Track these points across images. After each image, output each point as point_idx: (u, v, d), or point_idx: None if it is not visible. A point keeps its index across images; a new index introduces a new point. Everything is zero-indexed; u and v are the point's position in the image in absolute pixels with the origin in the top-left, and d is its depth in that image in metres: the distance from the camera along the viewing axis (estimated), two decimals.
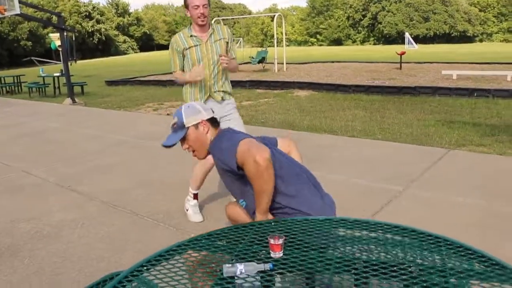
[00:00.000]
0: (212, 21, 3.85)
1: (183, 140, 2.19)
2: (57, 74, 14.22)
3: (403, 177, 4.46)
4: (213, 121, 2.25)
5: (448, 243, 1.43)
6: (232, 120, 3.56)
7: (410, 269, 1.27)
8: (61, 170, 5.37)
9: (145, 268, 1.33)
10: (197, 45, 3.37)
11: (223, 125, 3.19)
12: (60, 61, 29.04)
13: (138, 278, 1.28)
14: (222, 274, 1.24)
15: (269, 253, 1.35)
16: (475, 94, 9.96)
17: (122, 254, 3.12)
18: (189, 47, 3.37)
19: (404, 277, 1.22)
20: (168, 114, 9.31)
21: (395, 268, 1.27)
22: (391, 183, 4.31)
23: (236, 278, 1.22)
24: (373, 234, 1.51)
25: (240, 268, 1.22)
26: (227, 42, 3.49)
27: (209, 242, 1.48)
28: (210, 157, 2.25)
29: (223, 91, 3.54)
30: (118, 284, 1.24)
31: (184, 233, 3.40)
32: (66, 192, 4.55)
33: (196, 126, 2.18)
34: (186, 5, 3.32)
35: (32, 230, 3.63)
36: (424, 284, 1.18)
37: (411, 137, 6.29)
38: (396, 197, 3.96)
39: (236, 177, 2.07)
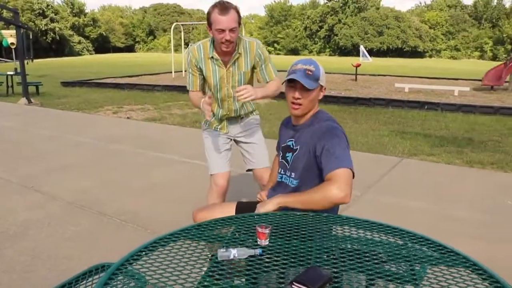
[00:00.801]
0: (242, 39, 2.65)
1: (306, 90, 2.00)
2: (11, 73, 13.79)
3: (360, 183, 4.71)
4: None
5: (411, 234, 1.63)
6: (253, 139, 3.01)
7: (380, 255, 1.45)
8: (21, 170, 5.30)
9: (133, 260, 1.42)
10: (215, 70, 2.75)
11: (243, 141, 3.01)
12: (10, 59, 28.07)
13: (126, 272, 1.38)
14: (217, 258, 1.38)
15: (255, 242, 1.50)
16: (426, 107, 10.52)
17: (92, 252, 3.17)
18: (206, 69, 2.76)
19: (375, 260, 1.40)
20: (128, 118, 9.27)
21: (367, 254, 1.45)
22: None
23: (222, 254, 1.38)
24: (346, 227, 1.69)
25: (234, 252, 1.37)
26: (258, 63, 2.78)
27: (199, 232, 1.61)
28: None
29: (243, 113, 2.99)
30: (109, 277, 1.31)
31: (154, 233, 3.48)
32: (30, 192, 4.51)
33: (321, 88, 2.09)
34: (209, 24, 2.58)
35: None
36: (393, 268, 1.37)
37: (366, 146, 6.61)
38: (354, 201, 4.20)
39: (311, 160, 2.00)
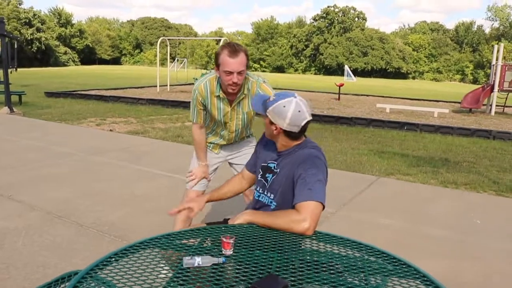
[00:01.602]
0: (246, 78, 2.65)
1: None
2: None
3: (335, 200, 4.83)
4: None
5: (368, 248, 1.73)
6: (245, 161, 2.81)
7: (337, 266, 1.55)
8: (0, 179, 5.30)
9: (103, 266, 1.50)
10: (221, 108, 2.81)
11: (236, 163, 3.10)
12: None
13: (95, 277, 1.46)
14: (182, 265, 1.47)
15: (220, 251, 1.59)
16: (405, 128, 10.75)
17: (69, 261, 3.21)
18: (211, 105, 2.82)
19: (331, 271, 1.50)
20: (110, 130, 9.30)
21: (325, 265, 1.55)
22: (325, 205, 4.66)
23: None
24: (307, 240, 1.79)
25: (198, 260, 1.46)
26: None
27: (168, 241, 1.69)
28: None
29: (240, 139, 3.09)
30: (77, 283, 1.38)
31: None
32: (7, 201, 4.52)
33: (271, 123, 2.08)
34: (216, 64, 2.60)
35: None
36: (348, 278, 1.47)
37: (345, 164, 6.75)
38: (327, 218, 4.30)
39: (289, 186, 2.04)
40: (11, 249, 3.40)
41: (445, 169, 6.67)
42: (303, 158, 2.01)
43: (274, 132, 2.06)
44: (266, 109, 2.03)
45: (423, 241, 3.87)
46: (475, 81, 60.54)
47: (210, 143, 3.08)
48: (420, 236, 3.98)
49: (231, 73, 2.52)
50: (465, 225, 4.31)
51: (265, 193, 2.16)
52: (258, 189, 2.22)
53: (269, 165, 2.17)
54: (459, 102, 16.58)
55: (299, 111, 1.99)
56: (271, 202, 2.12)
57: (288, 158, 2.07)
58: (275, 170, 2.11)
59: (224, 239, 1.58)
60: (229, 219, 1.99)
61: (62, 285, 1.89)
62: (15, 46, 13.53)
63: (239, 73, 2.54)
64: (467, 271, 3.34)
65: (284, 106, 1.98)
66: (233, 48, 2.52)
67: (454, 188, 5.71)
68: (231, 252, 1.58)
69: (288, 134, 2.04)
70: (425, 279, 1.50)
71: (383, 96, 20.94)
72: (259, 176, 2.22)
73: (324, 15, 70.81)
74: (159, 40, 20.61)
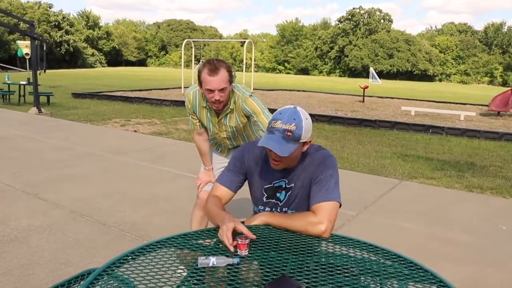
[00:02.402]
0: (233, 92, 2.64)
1: None
2: (24, 82, 14.08)
3: (357, 203, 4.79)
4: None
5: (384, 251, 1.71)
6: None
7: (352, 269, 1.54)
8: (27, 177, 5.43)
9: (120, 264, 1.53)
10: (209, 118, 2.85)
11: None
12: (24, 68, 28.62)
13: (112, 274, 1.48)
14: (197, 265, 1.48)
15: (236, 252, 1.60)
16: (430, 131, 10.59)
17: (91, 260, 3.27)
18: (200, 115, 2.87)
19: (347, 274, 1.49)
20: (135, 131, 9.44)
21: (339, 268, 1.54)
22: (346, 208, 4.62)
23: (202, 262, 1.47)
24: (323, 243, 1.78)
25: (213, 260, 1.47)
26: (250, 116, 2.77)
27: (184, 240, 1.71)
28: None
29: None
30: (94, 280, 1.41)
31: None
32: (33, 199, 4.64)
33: (304, 143, 1.95)
34: (199, 82, 2.60)
35: None
36: (364, 282, 1.46)
37: (368, 167, 6.68)
38: (349, 220, 4.27)
39: (307, 191, 2.00)
40: (35, 246, 3.49)
41: (471, 173, 6.54)
42: (318, 161, 1.99)
43: (305, 149, 1.97)
44: (299, 139, 1.86)
45: (446, 246, 3.80)
46: (504, 83, 59.21)
47: (219, 146, 3.12)
48: (442, 241, 3.91)
49: (212, 91, 2.52)
50: (490, 231, 4.21)
51: (278, 210, 2.11)
52: (267, 210, 2.13)
53: (276, 185, 2.07)
54: (487, 105, 16.23)
55: (307, 117, 1.93)
56: (286, 212, 2.10)
57: (301, 168, 2.02)
58: (287, 186, 2.05)
59: (240, 240, 1.59)
60: (244, 220, 1.99)
61: (82, 282, 1.92)
62: (44, 48, 13.86)
63: (221, 90, 2.52)
64: (489, 278, 3.26)
65: (306, 119, 1.90)
66: (213, 66, 2.50)
67: (480, 192, 5.59)
68: (247, 253, 1.59)
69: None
70: (442, 284, 1.47)
71: (408, 99, 20.68)
72: (265, 199, 2.11)
73: (350, 17, 70.40)
74: (184, 42, 20.81)
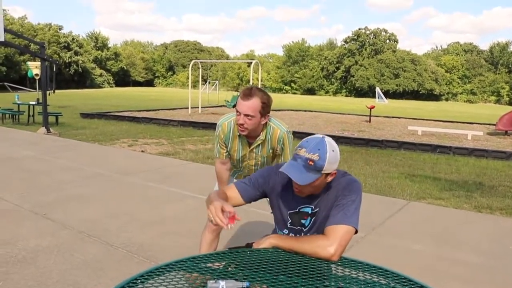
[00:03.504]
0: (269, 124, 2.73)
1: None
2: (33, 103, 14.25)
3: (365, 224, 4.75)
4: None
5: (395, 275, 1.70)
6: None
7: None
8: (35, 198, 5.46)
9: (129, 287, 1.53)
10: (240, 148, 2.89)
11: None
12: (33, 89, 29.00)
13: None
14: None
15: (245, 276, 1.60)
16: (438, 150, 10.55)
17: (98, 281, 3.26)
18: (232, 144, 2.90)
19: None
20: (142, 151, 9.48)
21: None
22: None
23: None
24: (333, 266, 1.77)
25: (222, 284, 1.46)
26: (276, 152, 2.90)
27: (193, 264, 1.71)
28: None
29: None
30: None
31: None
32: (41, 219, 4.65)
33: (328, 175, 1.93)
34: (235, 105, 2.70)
35: (7, 255, 3.72)
36: None
37: (375, 188, 6.65)
38: (357, 242, 4.24)
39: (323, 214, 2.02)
40: (43, 266, 3.49)
41: (479, 193, 6.49)
42: (343, 186, 1.98)
43: (328, 180, 1.95)
44: (321, 169, 1.85)
45: (455, 268, 3.76)
46: (511, 102, 59.05)
47: (234, 172, 3.14)
48: (452, 263, 3.87)
49: (239, 114, 2.59)
50: (499, 252, 4.17)
51: (301, 234, 2.10)
52: (291, 235, 2.12)
53: (302, 210, 2.06)
54: (494, 124, 16.17)
55: (334, 149, 1.91)
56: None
57: (327, 194, 2.01)
58: (313, 212, 2.05)
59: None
60: (252, 243, 1.99)
61: None
62: (54, 69, 14.06)
63: (247, 116, 2.57)
64: None
65: (333, 150, 1.88)
66: (248, 91, 2.59)
67: (489, 213, 5.54)
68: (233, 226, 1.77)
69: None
70: None
71: (415, 118, 20.66)
72: (289, 224, 2.11)
73: (355, 37, 70.91)
74: (191, 62, 21.03)
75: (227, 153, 2.96)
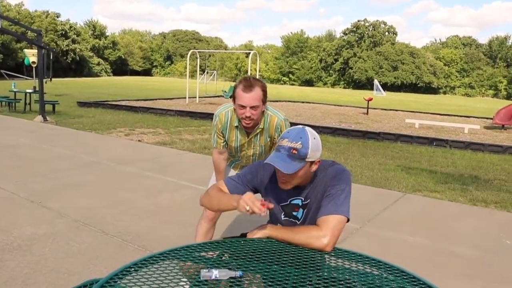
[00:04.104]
0: (266, 112, 2.73)
1: None
2: (30, 91, 14.19)
3: (361, 216, 4.78)
4: None
5: (387, 266, 1.71)
6: None
7: (354, 283, 1.54)
8: (31, 186, 5.45)
9: (122, 276, 1.53)
10: (238, 138, 2.89)
11: None
12: (30, 77, 28.86)
13: (115, 286, 1.48)
14: (199, 277, 1.48)
15: (239, 265, 1.60)
16: (434, 144, 10.57)
17: (93, 269, 3.27)
18: (229, 134, 2.89)
19: None
20: (139, 140, 9.46)
21: (342, 282, 1.54)
22: (349, 221, 4.62)
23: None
24: (326, 256, 1.78)
25: (215, 273, 1.47)
26: (274, 140, 2.91)
27: (187, 252, 1.71)
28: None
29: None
30: None
31: None
32: (37, 207, 4.65)
33: (312, 163, 1.94)
34: (233, 97, 2.69)
35: (2, 242, 3.72)
36: None
37: (371, 180, 6.67)
38: (352, 234, 4.26)
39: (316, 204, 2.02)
40: (38, 254, 3.49)
41: (475, 187, 6.52)
42: (332, 175, 1.99)
43: (313, 170, 1.96)
44: (305, 157, 1.87)
45: (449, 260, 3.78)
46: (508, 96, 59.08)
47: (232, 162, 3.14)
48: (446, 255, 3.89)
49: (244, 107, 2.59)
50: (494, 245, 4.19)
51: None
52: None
53: (292, 202, 2.08)
54: (491, 118, 16.19)
55: (315, 137, 1.94)
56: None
57: (316, 184, 2.02)
58: (304, 203, 2.06)
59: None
60: (247, 233, 2.00)
61: None
62: (51, 57, 13.98)
63: (253, 107, 2.59)
64: None
65: (314, 138, 1.91)
66: (248, 82, 2.59)
67: (484, 206, 5.56)
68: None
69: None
70: None
71: (412, 111, 20.66)
72: (283, 216, 2.12)
73: (354, 29, 70.60)
74: (190, 52, 20.95)
75: (224, 143, 2.95)
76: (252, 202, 1.81)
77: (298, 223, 2.09)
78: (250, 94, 2.56)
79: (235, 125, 2.81)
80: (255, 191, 2.16)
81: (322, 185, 2.00)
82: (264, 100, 2.65)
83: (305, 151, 1.86)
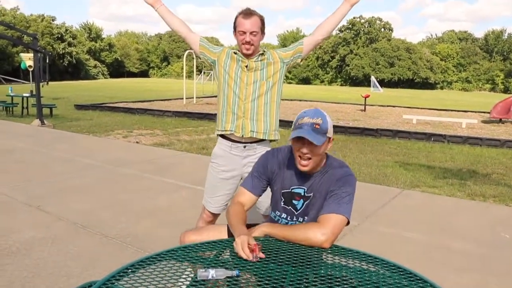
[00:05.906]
0: (268, 50, 2.88)
1: (315, 145, 1.94)
2: (27, 95, 14.18)
3: (359, 212, 4.78)
4: None
5: (384, 262, 1.72)
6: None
7: (351, 280, 1.54)
8: (29, 190, 5.45)
9: (120, 277, 1.54)
10: (238, 66, 2.81)
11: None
12: (27, 81, 28.82)
13: (113, 287, 1.49)
14: (196, 277, 1.49)
15: (235, 264, 1.61)
16: (432, 139, 10.59)
17: (92, 271, 3.27)
18: (229, 68, 2.83)
19: (345, 285, 1.50)
20: (137, 142, 9.46)
21: (339, 279, 1.55)
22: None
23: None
24: (323, 254, 1.79)
25: (212, 273, 1.48)
26: (292, 51, 2.92)
27: (184, 253, 1.72)
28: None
29: (253, 131, 2.80)
30: None
31: None
32: (36, 211, 4.65)
33: (329, 140, 2.03)
34: (234, 28, 2.77)
35: (1, 246, 3.72)
36: None
37: (369, 177, 6.68)
38: (351, 230, 4.26)
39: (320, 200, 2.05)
40: (37, 258, 3.49)
41: (473, 181, 6.53)
42: (338, 176, 2.03)
43: (328, 148, 2.06)
44: (326, 132, 1.97)
45: (448, 255, 3.79)
46: (506, 90, 59.19)
47: (226, 131, 2.86)
48: (444, 250, 3.90)
49: (244, 33, 2.70)
50: (492, 239, 4.20)
51: (295, 219, 2.13)
52: (282, 215, 2.16)
53: (294, 190, 2.10)
54: (489, 112, 16.23)
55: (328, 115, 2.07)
56: (301, 222, 2.13)
57: (320, 181, 2.04)
58: (306, 195, 2.07)
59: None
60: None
61: None
62: (47, 61, 13.95)
63: (252, 33, 2.70)
64: None
65: (329, 116, 2.05)
66: (248, 11, 2.75)
67: (482, 200, 5.58)
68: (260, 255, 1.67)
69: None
70: None
71: (410, 107, 20.68)
72: (282, 203, 2.14)
73: (350, 26, 70.64)
74: (186, 53, 20.92)
75: (223, 84, 2.84)
76: (242, 247, 1.71)
77: (296, 213, 2.11)
78: (250, 20, 2.70)
79: (234, 51, 2.86)
80: (269, 181, 2.21)
81: (327, 183, 2.02)
82: (263, 30, 2.78)
83: (325, 126, 1.97)
